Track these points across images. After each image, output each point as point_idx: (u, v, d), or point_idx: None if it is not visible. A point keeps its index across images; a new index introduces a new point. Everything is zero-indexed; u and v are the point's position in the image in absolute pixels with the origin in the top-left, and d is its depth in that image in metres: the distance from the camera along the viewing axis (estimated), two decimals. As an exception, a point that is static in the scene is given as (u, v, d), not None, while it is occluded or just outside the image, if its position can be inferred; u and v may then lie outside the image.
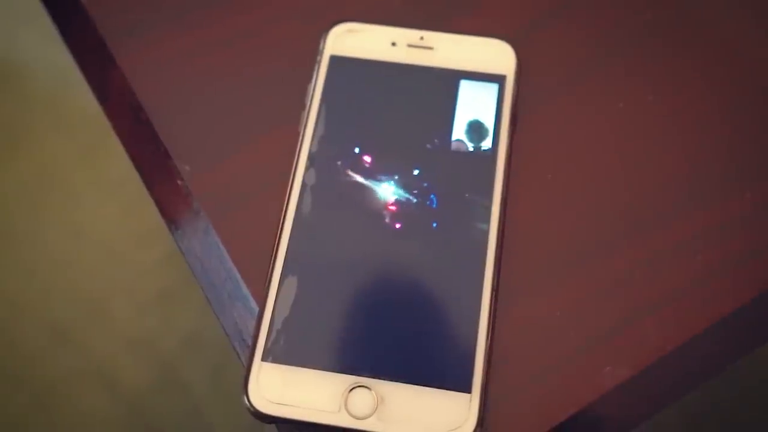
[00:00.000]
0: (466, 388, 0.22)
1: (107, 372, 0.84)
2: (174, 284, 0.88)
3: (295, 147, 0.26)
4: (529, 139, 0.27)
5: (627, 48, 0.29)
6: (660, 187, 0.27)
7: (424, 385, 0.22)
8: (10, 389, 0.84)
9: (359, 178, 0.25)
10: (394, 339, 0.23)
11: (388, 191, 0.25)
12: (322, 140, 0.26)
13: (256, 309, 0.25)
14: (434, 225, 0.25)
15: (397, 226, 0.25)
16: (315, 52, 0.28)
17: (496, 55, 0.27)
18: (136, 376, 0.84)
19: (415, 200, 0.25)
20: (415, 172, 0.25)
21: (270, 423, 0.23)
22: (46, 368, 0.84)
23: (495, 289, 0.24)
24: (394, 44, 0.27)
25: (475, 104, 0.26)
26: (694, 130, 0.28)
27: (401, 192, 0.25)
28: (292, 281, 0.24)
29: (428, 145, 0.26)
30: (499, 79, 0.27)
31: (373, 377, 0.22)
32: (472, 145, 0.26)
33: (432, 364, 0.23)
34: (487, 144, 0.26)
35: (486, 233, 0.24)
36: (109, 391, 0.83)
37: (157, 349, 0.85)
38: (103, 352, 0.85)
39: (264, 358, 0.23)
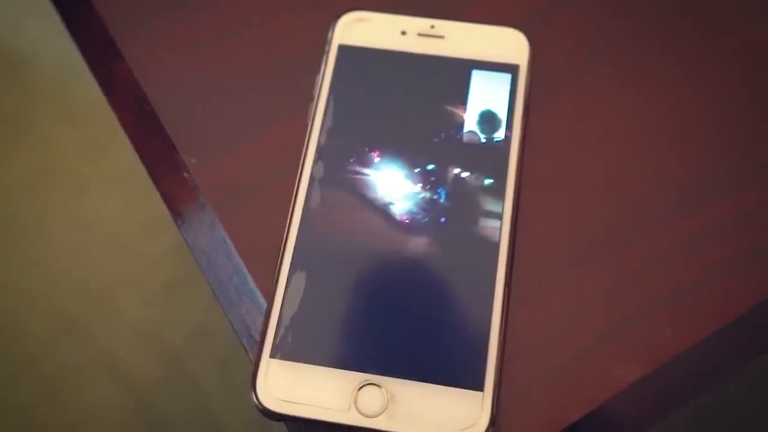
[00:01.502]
0: (479, 386, 0.22)
1: (114, 363, 0.84)
2: (181, 275, 0.88)
3: (303, 139, 0.26)
4: (542, 130, 0.27)
5: (642, 36, 0.28)
6: (675, 180, 0.26)
7: (435, 383, 0.22)
8: (19, 380, 0.84)
9: (369, 171, 0.25)
10: (405, 336, 0.23)
11: (398, 184, 0.25)
12: (331, 132, 0.25)
13: (264, 304, 0.24)
14: (444, 220, 0.24)
15: (408, 220, 0.24)
16: (323, 41, 0.27)
17: (509, 43, 0.26)
18: (143, 367, 0.84)
19: (426, 194, 0.24)
20: (426, 164, 0.25)
21: (278, 421, 0.22)
22: (55, 359, 0.84)
23: (508, 285, 0.23)
24: (404, 33, 0.27)
25: (488, 94, 0.26)
26: (713, 122, 0.27)
27: (412, 185, 0.25)
28: (301, 276, 0.23)
29: (439, 137, 0.25)
30: (512, 69, 0.26)
31: (384, 375, 0.22)
32: (485, 136, 0.25)
33: (443, 361, 0.22)
34: (499, 135, 0.25)
35: (498, 227, 0.24)
36: (116, 383, 0.83)
37: (164, 341, 0.85)
38: (111, 343, 0.85)
39: (272, 355, 0.22)
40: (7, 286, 0.89)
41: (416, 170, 0.25)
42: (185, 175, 0.27)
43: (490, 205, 0.24)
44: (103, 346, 0.85)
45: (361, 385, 0.22)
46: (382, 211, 0.24)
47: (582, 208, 0.26)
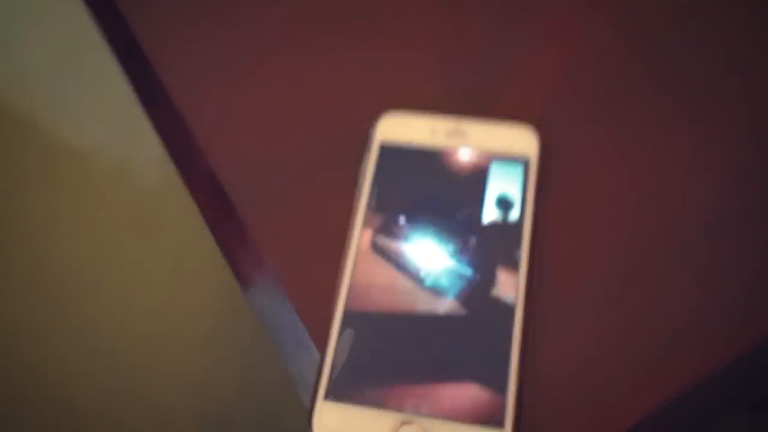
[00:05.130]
0: (500, 423, 0.26)
1: (162, 415, 0.86)
2: (228, 325, 0.90)
3: (350, 218, 0.31)
4: (555, 207, 0.31)
5: (654, 124, 0.31)
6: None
7: (462, 421, 0.26)
8: None
9: (404, 247, 0.30)
10: (436, 380, 0.27)
11: (429, 258, 0.30)
12: (374, 214, 0.31)
13: (317, 357, 0.29)
14: (468, 286, 0.29)
15: (437, 287, 0.29)
16: (366, 126, 0.32)
17: (521, 138, 0.32)
18: (189, 418, 0.86)
19: (452, 267, 0.29)
20: (452, 241, 0.30)
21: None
22: (103, 411, 0.86)
23: (525, 338, 0.28)
24: (434, 131, 0.32)
25: (504, 182, 0.31)
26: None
27: (440, 259, 0.30)
28: (349, 333, 0.29)
29: (464, 218, 0.30)
30: (524, 160, 0.31)
31: (417, 414, 0.27)
32: (502, 217, 0.30)
33: (469, 401, 0.27)
34: (515, 216, 0.30)
35: (515, 290, 0.29)
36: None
37: (210, 391, 0.87)
38: (157, 392, 0.88)
39: (326, 397, 0.27)
40: (68, 343, 0.92)
41: (444, 246, 0.30)
42: (249, 237, 0.32)
43: (508, 273, 0.29)
44: (151, 395, 0.87)
45: (400, 424, 0.27)
46: (415, 279, 0.29)
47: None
